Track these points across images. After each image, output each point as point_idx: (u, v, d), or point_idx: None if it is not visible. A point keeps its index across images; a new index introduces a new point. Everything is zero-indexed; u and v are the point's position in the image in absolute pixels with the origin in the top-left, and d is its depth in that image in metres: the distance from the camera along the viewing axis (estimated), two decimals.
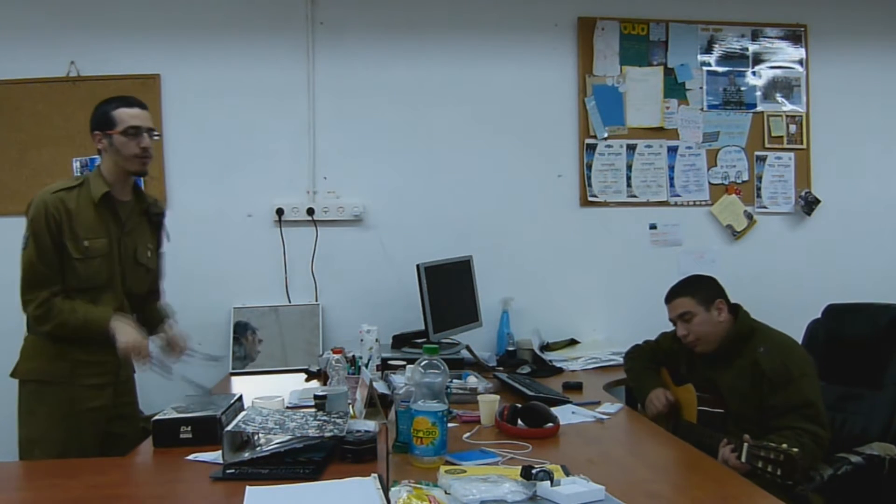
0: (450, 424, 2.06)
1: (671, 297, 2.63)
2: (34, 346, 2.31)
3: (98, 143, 2.31)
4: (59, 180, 2.36)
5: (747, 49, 3.68)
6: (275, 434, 1.87)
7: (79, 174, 3.24)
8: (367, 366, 2.59)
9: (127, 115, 2.28)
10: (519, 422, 2.15)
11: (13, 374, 2.31)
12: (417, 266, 3.00)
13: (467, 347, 3.14)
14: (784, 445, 1.92)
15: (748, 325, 2.52)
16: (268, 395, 2.28)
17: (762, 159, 3.69)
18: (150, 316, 2.54)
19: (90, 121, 2.32)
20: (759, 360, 2.40)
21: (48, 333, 2.25)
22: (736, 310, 2.55)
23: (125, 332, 2.24)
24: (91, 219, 2.28)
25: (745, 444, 2.03)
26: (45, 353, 2.28)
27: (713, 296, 2.54)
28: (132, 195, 2.41)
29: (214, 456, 1.86)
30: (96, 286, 2.30)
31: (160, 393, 2.73)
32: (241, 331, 3.32)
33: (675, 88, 3.64)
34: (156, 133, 2.36)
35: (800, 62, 3.72)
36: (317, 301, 3.41)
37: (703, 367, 2.59)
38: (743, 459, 2.01)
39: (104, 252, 2.30)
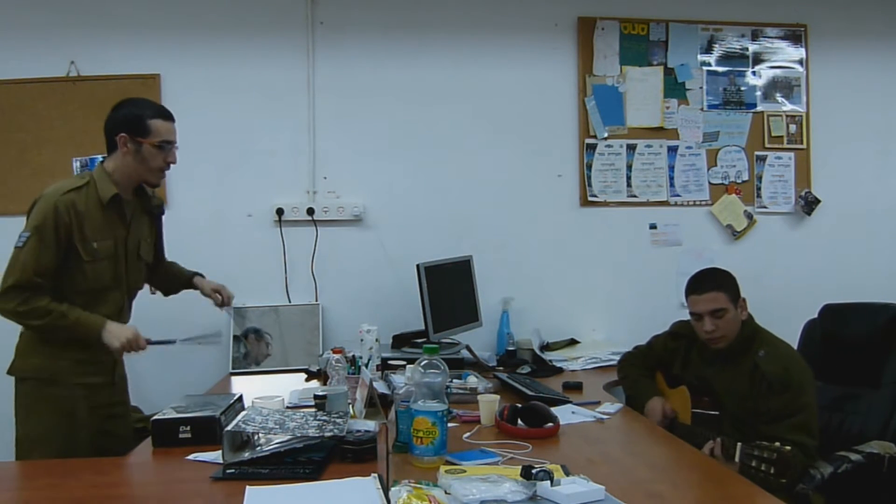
0: (450, 424, 2.06)
1: (703, 289, 2.48)
2: (31, 343, 2.25)
3: (122, 145, 2.27)
4: (63, 180, 2.33)
5: (747, 49, 3.68)
6: (275, 434, 1.87)
7: (79, 173, 3.23)
8: (367, 366, 2.59)
9: (164, 129, 2.29)
10: (519, 422, 2.15)
11: (10, 371, 2.26)
12: (417, 266, 3.00)
13: (467, 347, 3.13)
14: (777, 444, 1.92)
15: (752, 327, 2.51)
16: (268, 395, 2.27)
17: (762, 159, 3.69)
18: (167, 276, 2.71)
19: (115, 119, 2.28)
20: (760, 363, 2.39)
21: (38, 330, 2.21)
22: None
23: (115, 336, 2.22)
24: (99, 220, 2.27)
25: (739, 444, 2.03)
26: (44, 350, 2.24)
27: (738, 293, 2.50)
28: (133, 193, 2.41)
29: (214, 456, 1.86)
30: (101, 287, 2.30)
31: (160, 393, 2.74)
32: (248, 332, 3.31)
33: (675, 88, 3.63)
34: (176, 146, 2.37)
35: (800, 62, 3.71)
36: (317, 301, 3.41)
37: (702, 365, 2.58)
38: (736, 459, 2.01)
39: (111, 253, 2.31)
